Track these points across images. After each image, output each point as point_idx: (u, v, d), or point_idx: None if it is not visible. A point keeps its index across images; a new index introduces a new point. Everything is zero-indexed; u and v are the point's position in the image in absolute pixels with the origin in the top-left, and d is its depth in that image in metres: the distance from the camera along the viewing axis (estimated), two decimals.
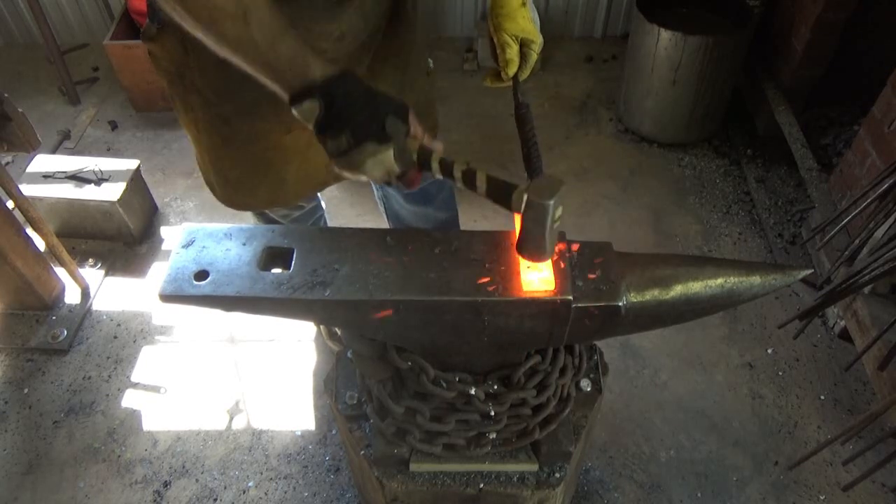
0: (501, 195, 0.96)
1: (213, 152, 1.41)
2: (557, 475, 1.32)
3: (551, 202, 0.91)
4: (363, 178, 1.01)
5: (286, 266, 1.06)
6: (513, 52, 1.27)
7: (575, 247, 1.09)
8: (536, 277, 1.03)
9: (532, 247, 0.98)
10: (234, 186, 1.48)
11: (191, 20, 0.93)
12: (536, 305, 1.02)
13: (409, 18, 1.42)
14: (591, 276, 1.07)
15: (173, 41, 1.21)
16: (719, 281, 1.09)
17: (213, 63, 1.21)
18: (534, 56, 1.30)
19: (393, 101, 0.99)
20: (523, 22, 1.26)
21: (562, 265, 1.05)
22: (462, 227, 2.21)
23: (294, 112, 0.97)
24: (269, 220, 1.80)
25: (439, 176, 1.01)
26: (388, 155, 0.97)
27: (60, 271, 2.46)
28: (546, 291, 1.01)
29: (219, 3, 0.90)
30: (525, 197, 0.92)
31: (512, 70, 1.29)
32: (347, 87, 0.95)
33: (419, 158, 1.00)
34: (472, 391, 1.17)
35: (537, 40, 1.28)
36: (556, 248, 1.03)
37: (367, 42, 1.35)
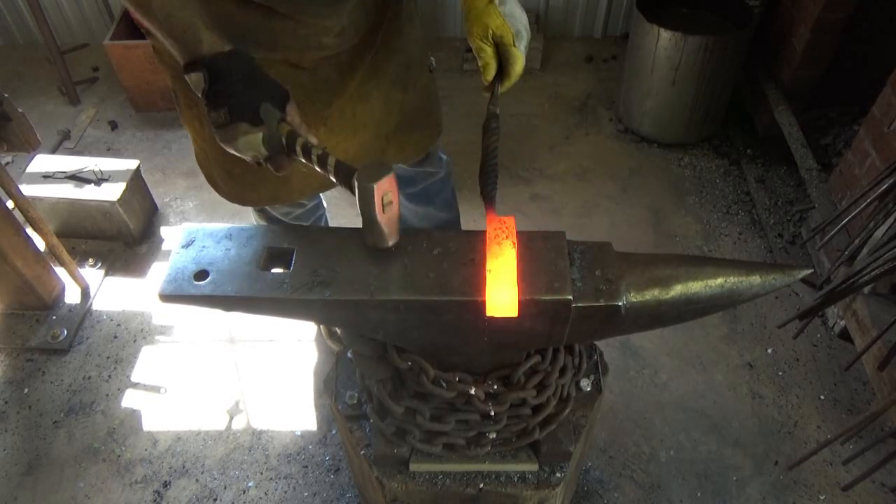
0: (346, 179, 1.00)
1: (217, 147, 1.41)
2: (557, 475, 1.32)
3: (374, 185, 0.95)
4: (237, 154, 1.05)
5: (286, 266, 1.06)
6: (486, 54, 1.18)
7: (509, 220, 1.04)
8: (501, 300, 0.99)
9: (369, 230, 1.02)
10: (237, 181, 1.48)
11: None
12: (536, 305, 1.02)
13: (410, 15, 1.42)
14: (591, 276, 1.07)
15: None
16: (719, 281, 1.09)
17: None
18: (512, 51, 1.17)
19: (273, 89, 1.04)
20: (489, 19, 1.16)
21: (560, 264, 1.04)
22: (463, 228, 2.21)
23: (187, 80, 1.02)
24: (270, 218, 1.80)
25: (302, 158, 1.04)
26: (258, 138, 1.02)
27: (60, 271, 2.46)
28: (509, 315, 1.00)
29: None
30: (355, 185, 0.97)
31: (489, 74, 1.20)
32: (232, 67, 1.00)
33: (287, 142, 1.04)
34: (472, 391, 1.17)
35: (508, 34, 1.16)
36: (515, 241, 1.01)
37: (368, 38, 1.35)
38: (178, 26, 1.01)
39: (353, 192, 0.99)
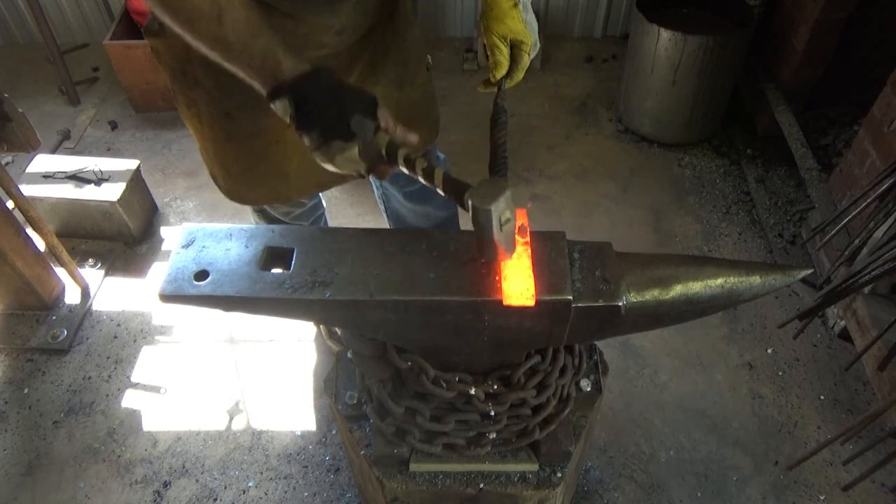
0: (456, 194, 0.98)
1: (216, 146, 1.42)
2: (558, 475, 1.32)
3: (492, 207, 0.91)
4: (338, 171, 1.03)
5: (286, 266, 1.06)
6: (502, 54, 1.24)
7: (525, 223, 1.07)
8: (518, 289, 1.01)
9: (486, 248, 0.99)
10: (236, 180, 1.48)
11: (169, 17, 0.97)
12: (536, 305, 1.02)
13: (408, 13, 1.42)
14: (591, 276, 1.07)
15: (176, 37, 1.21)
16: (719, 281, 1.09)
17: None
18: (525, 58, 1.26)
19: (360, 99, 1.01)
20: (512, 23, 1.22)
21: (560, 264, 1.05)
22: (462, 227, 2.21)
23: (273, 109, 1.00)
24: (269, 218, 1.80)
25: (404, 170, 1.03)
26: (354, 152, 0.99)
27: (60, 271, 2.46)
28: (526, 304, 1.00)
29: (196, 2, 0.94)
30: (469, 204, 0.93)
31: (500, 73, 1.26)
32: (316, 86, 0.98)
33: (388, 152, 1.02)
34: (472, 391, 1.17)
35: (528, 41, 1.25)
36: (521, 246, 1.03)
37: (367, 36, 1.35)
38: (256, 56, 0.98)
39: (465, 209, 0.96)
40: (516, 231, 1.02)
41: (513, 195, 0.94)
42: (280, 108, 0.99)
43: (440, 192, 1.00)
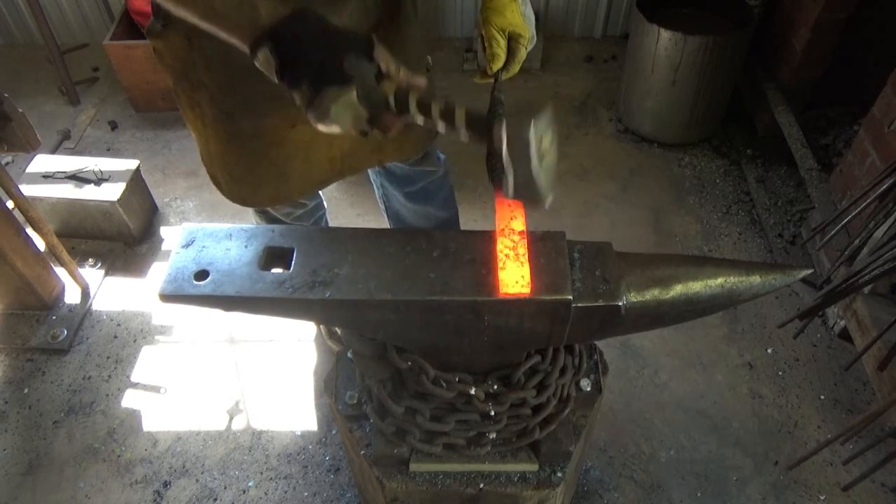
0: (481, 132, 0.86)
1: (218, 147, 1.42)
2: (558, 475, 1.32)
3: (531, 130, 0.79)
4: (336, 128, 0.90)
5: (286, 266, 1.06)
6: (499, 46, 1.25)
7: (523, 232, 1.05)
8: (513, 278, 1.01)
9: (523, 187, 0.86)
10: (238, 182, 1.48)
11: None
12: (536, 305, 1.02)
13: (409, 13, 1.42)
14: (591, 276, 1.07)
15: (178, 37, 1.21)
16: (719, 281, 1.09)
17: (218, 59, 1.21)
18: (522, 51, 1.27)
19: (352, 37, 0.90)
20: (511, 16, 1.24)
21: (560, 264, 1.05)
22: (462, 227, 2.21)
23: (258, 67, 0.90)
24: (270, 218, 1.80)
25: (419, 119, 0.90)
26: (352, 96, 0.86)
27: (60, 271, 2.46)
28: (522, 293, 1.00)
29: None
30: (503, 131, 0.81)
31: (497, 65, 1.26)
32: (299, 29, 0.87)
33: (396, 101, 0.89)
34: (472, 391, 1.17)
35: (526, 35, 1.26)
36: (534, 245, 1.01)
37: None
38: (229, 5, 0.88)
39: (496, 147, 0.82)
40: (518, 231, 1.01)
41: (552, 119, 0.82)
42: (263, 60, 0.87)
43: (463, 133, 0.87)
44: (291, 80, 0.87)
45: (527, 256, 1.03)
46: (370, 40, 0.91)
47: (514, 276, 1.01)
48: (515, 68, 1.29)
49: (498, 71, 1.27)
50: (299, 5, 0.89)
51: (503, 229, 1.05)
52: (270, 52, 0.86)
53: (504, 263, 1.03)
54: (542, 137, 0.82)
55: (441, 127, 0.88)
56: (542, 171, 0.85)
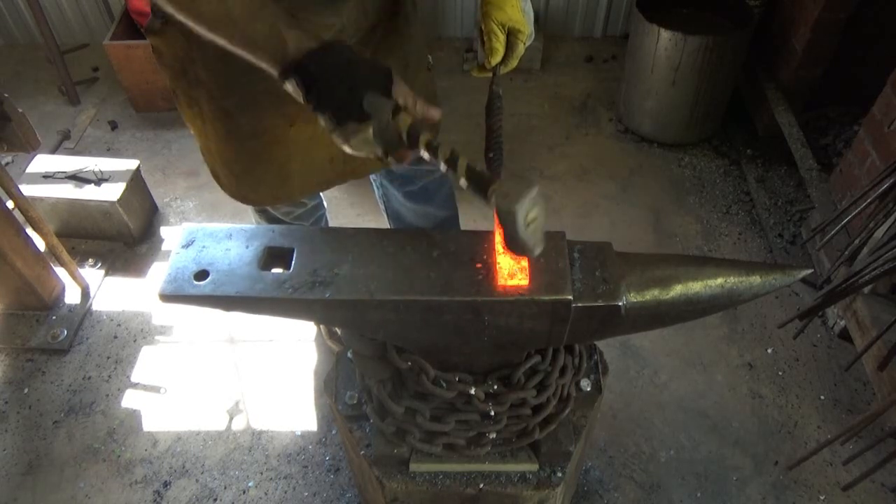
0: (479, 188, 0.92)
1: (218, 145, 1.42)
2: (558, 475, 1.32)
3: (517, 207, 0.87)
4: (358, 154, 0.98)
5: (286, 266, 1.06)
6: (498, 41, 1.26)
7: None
8: (511, 269, 1.03)
9: (512, 245, 0.95)
10: (238, 180, 1.48)
11: (172, 2, 0.95)
12: (536, 305, 1.02)
13: (409, 13, 1.43)
14: (591, 276, 1.07)
15: (177, 35, 1.21)
16: (719, 281, 1.09)
17: (217, 57, 1.21)
18: (521, 46, 1.29)
19: (372, 75, 0.96)
20: (511, 11, 1.25)
21: (560, 264, 1.05)
22: (462, 227, 2.21)
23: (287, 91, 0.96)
24: (270, 217, 1.80)
25: (426, 156, 0.97)
26: (369, 134, 0.94)
27: (60, 271, 2.46)
28: (519, 287, 1.01)
29: None
30: (493, 201, 0.89)
31: (495, 59, 1.28)
32: (323, 64, 0.93)
33: (409, 138, 0.96)
34: (472, 391, 1.17)
35: (525, 31, 1.28)
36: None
37: (367, 36, 1.35)
38: (260, 33, 0.94)
39: (489, 206, 0.91)
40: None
41: (539, 195, 0.89)
42: (291, 90, 0.95)
43: (462, 182, 0.93)
44: (318, 110, 0.95)
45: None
46: (389, 76, 0.97)
47: (513, 271, 1.02)
48: (513, 63, 1.31)
49: (496, 65, 1.29)
50: (325, 40, 0.95)
51: None
52: (297, 85, 0.93)
53: (504, 263, 1.03)
54: (528, 212, 0.89)
55: (443, 168, 0.95)
56: (529, 233, 0.91)
